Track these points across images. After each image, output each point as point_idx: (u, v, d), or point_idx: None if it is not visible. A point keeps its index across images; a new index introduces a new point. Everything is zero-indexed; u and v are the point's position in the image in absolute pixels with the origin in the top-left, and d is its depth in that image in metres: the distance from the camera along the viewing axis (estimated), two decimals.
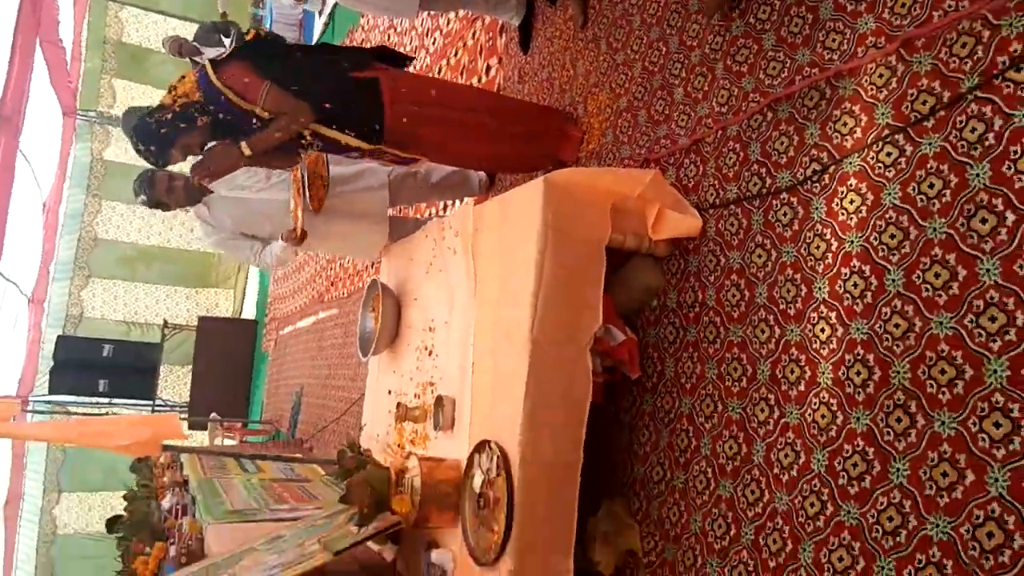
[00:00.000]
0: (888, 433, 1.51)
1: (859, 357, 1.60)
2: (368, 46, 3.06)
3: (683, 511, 1.99)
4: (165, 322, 10.36)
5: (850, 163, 1.71)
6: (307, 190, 2.73)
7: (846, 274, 1.66)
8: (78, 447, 8.67)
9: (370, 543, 2.28)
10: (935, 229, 1.50)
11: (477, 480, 2.05)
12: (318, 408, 5.75)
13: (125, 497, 4.22)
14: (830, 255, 1.72)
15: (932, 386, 1.45)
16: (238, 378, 9.47)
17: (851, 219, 1.68)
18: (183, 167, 2.96)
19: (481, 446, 2.04)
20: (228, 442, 7.73)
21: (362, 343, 3.14)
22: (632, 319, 2.28)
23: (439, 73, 4.37)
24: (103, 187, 10.88)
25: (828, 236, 1.73)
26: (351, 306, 5.28)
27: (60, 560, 10.34)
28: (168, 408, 10.28)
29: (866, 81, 1.70)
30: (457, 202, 3.71)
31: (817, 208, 1.77)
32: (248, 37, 2.56)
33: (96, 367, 9.87)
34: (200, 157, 2.59)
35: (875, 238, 1.61)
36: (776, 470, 1.74)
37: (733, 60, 2.11)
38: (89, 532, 10.36)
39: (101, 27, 9.32)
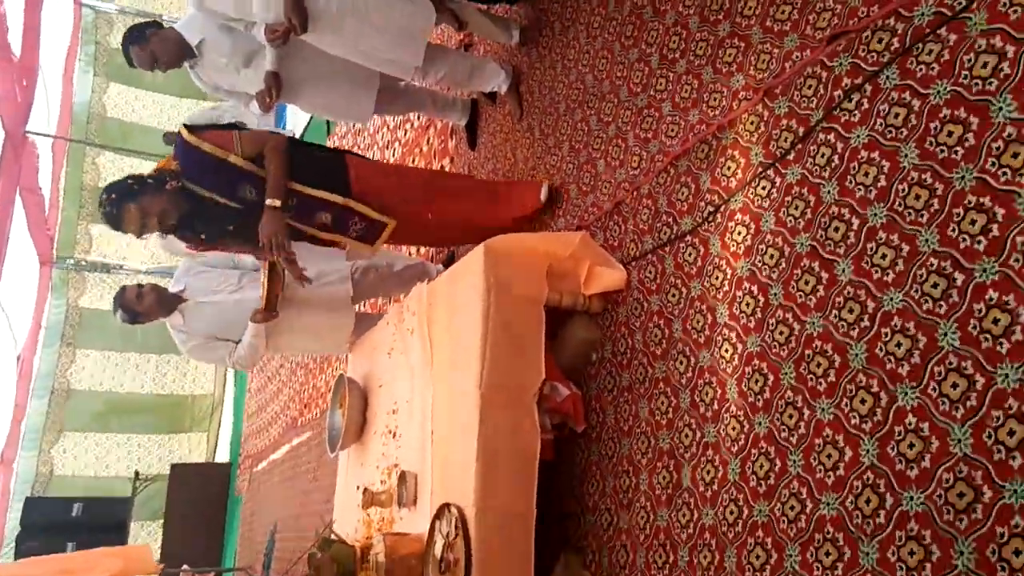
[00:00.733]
0: (783, 431, 1.74)
1: (756, 368, 1.85)
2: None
3: (629, 551, 2.16)
4: (136, 474, 10.43)
5: (735, 200, 2.04)
6: (270, 281, 3.04)
7: (739, 296, 1.95)
8: None
9: None
10: (802, 244, 1.81)
11: (438, 546, 2.24)
12: (294, 541, 5.81)
13: None
14: (727, 282, 2.01)
15: (812, 379, 1.70)
16: (211, 525, 9.44)
17: (740, 248, 1.99)
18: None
19: (441, 511, 2.24)
20: None
21: (331, 439, 3.36)
22: (576, 375, 2.53)
23: None
24: (77, 336, 11.27)
25: (724, 266, 2.03)
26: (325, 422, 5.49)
27: None
28: None
29: (742, 129, 2.06)
30: None
31: (714, 244, 2.09)
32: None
33: (65, 528, 9.85)
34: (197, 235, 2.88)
35: (759, 260, 1.92)
36: (701, 487, 1.94)
37: (640, 128, 2.50)
38: None
39: (79, 174, 10.05)
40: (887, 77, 1.68)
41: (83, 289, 11.19)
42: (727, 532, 1.83)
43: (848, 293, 1.66)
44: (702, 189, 2.17)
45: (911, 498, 1.44)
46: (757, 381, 1.84)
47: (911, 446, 1.46)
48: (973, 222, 1.45)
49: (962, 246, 1.46)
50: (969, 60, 1.51)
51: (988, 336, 1.38)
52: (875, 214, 1.64)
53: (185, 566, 7.75)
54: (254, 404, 9.14)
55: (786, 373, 1.77)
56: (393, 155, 5.07)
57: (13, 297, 9.21)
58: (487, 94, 3.47)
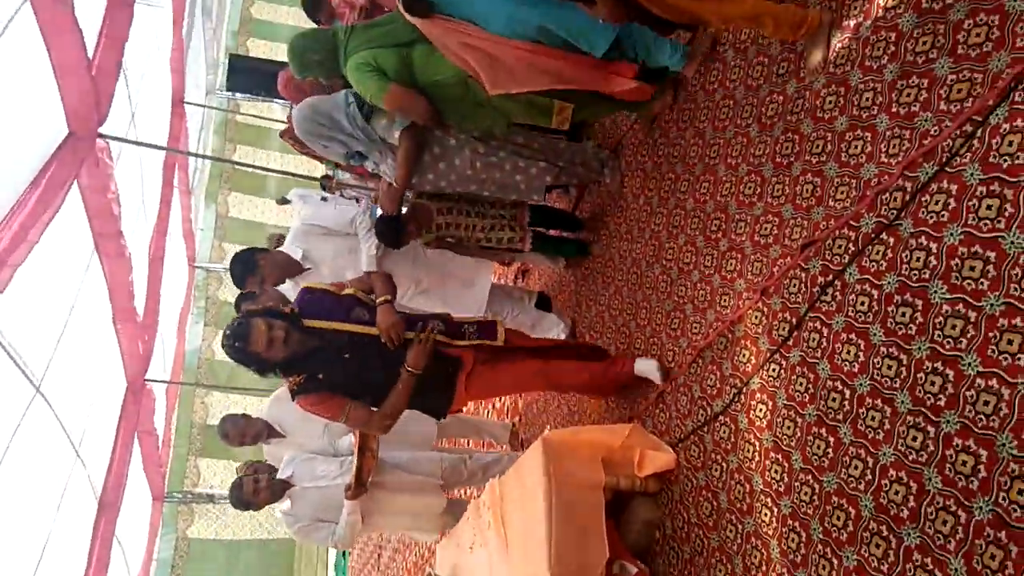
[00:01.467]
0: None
1: (791, 527, 2.09)
2: None
3: None
4: None
5: (754, 382, 2.37)
6: (359, 461, 3.37)
7: (768, 465, 2.23)
8: None
9: None
10: (810, 414, 2.11)
11: None
12: None
13: None
14: (756, 453, 2.29)
15: (835, 531, 1.94)
16: None
17: (763, 422, 2.29)
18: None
19: None
20: None
21: None
22: (643, 553, 2.75)
23: None
24: (186, 568, 11.62)
25: (752, 439, 2.33)
26: None
27: None
28: None
29: (749, 323, 2.44)
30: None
31: (742, 421, 2.39)
32: None
33: None
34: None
35: (779, 431, 2.21)
36: None
37: (669, 328, 2.90)
38: None
39: (189, 413, 10.93)
40: (850, 273, 2.06)
41: (191, 520, 11.70)
42: None
43: (852, 453, 1.94)
44: (726, 375, 2.52)
45: None
46: (793, 539, 2.07)
47: None
48: (933, 383, 1.75)
49: (929, 403, 1.75)
50: (907, 256, 1.89)
51: (961, 476, 1.64)
52: (860, 384, 1.96)
53: None
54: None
55: (815, 529, 2.01)
56: None
57: (128, 532, 9.70)
58: None
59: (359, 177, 5.87)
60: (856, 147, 2.11)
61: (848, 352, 2.02)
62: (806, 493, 2.06)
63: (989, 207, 1.69)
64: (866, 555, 1.83)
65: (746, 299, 2.47)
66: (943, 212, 1.81)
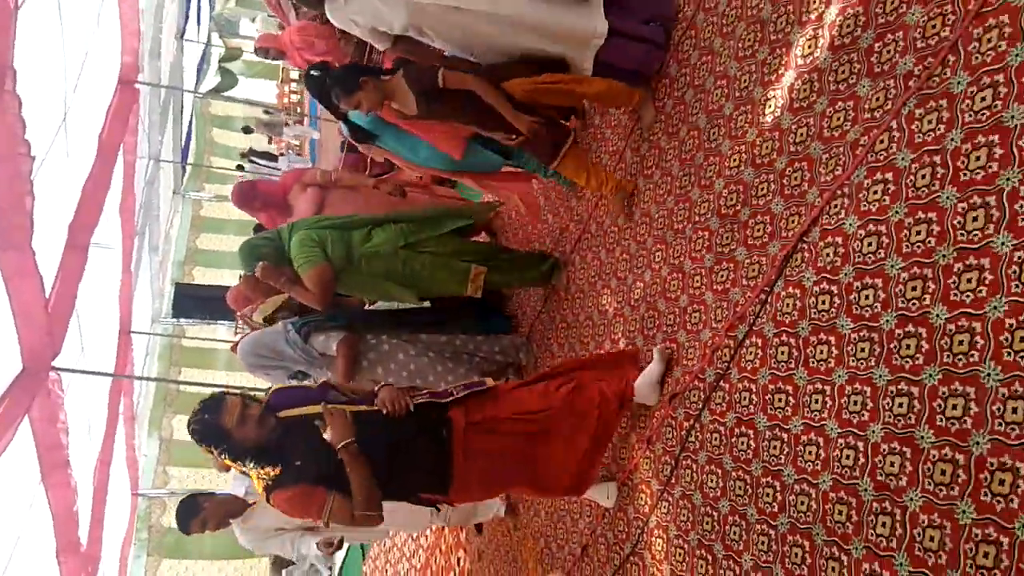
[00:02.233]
0: None
1: None
2: None
3: None
4: None
5: (651, 520, 2.76)
6: None
7: None
8: None
9: None
10: (692, 540, 2.51)
11: None
12: None
13: None
14: None
15: None
16: None
17: (661, 555, 2.67)
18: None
19: None
20: None
21: None
22: None
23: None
24: None
25: (655, 572, 2.68)
26: None
27: None
28: None
29: (642, 470, 2.87)
30: None
31: (647, 557, 2.76)
32: None
33: None
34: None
35: (673, 561, 2.59)
36: None
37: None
38: None
39: None
40: (704, 415, 2.55)
41: None
42: None
43: (725, 565, 2.33)
44: (631, 519, 2.90)
45: None
46: None
47: None
48: (767, 494, 2.20)
49: (767, 511, 2.19)
50: (739, 398, 2.40)
51: None
52: (723, 505, 2.39)
53: None
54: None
55: None
56: (418, 561, 5.71)
57: None
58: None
59: None
60: (695, 318, 2.69)
61: (712, 480, 2.46)
62: None
63: (781, 398, 2.24)
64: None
65: (637, 450, 2.93)
66: (755, 360, 2.35)
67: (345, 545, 8.25)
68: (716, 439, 2.47)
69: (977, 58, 1.77)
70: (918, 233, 1.85)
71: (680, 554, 2.56)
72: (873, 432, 1.89)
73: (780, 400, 2.22)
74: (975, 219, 1.72)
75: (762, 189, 2.42)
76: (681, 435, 2.66)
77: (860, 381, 1.95)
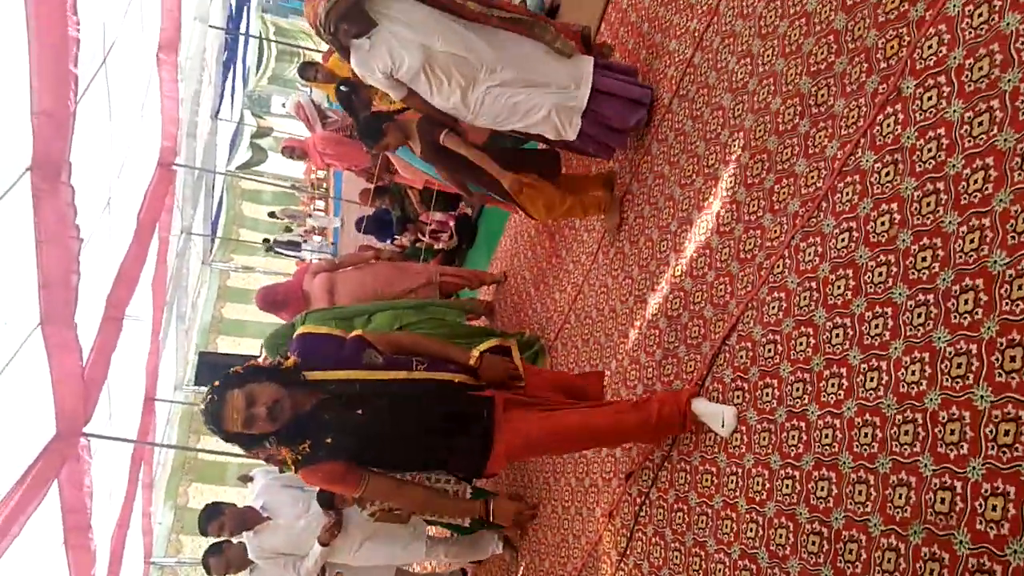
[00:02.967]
0: None
1: None
2: None
3: None
4: None
5: None
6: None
7: None
8: None
9: None
10: None
11: None
12: None
13: None
14: None
15: None
16: None
17: None
18: None
19: None
20: None
21: None
22: None
23: None
24: None
25: None
26: None
27: None
28: None
29: (605, 543, 3.27)
30: None
31: None
32: None
33: None
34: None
35: None
36: None
37: (559, 550, 3.68)
38: None
39: None
40: (653, 493, 2.96)
41: None
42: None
43: None
44: None
45: None
46: None
47: None
48: (719, 569, 2.60)
49: None
50: (679, 477, 2.82)
51: None
52: (664, 573, 2.78)
53: None
54: None
55: None
56: None
57: None
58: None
59: None
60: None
61: (656, 551, 2.86)
62: None
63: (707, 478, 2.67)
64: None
65: (601, 522, 3.33)
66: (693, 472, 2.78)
67: None
68: (661, 509, 2.88)
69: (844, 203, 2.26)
70: (876, 326, 2.30)
71: None
72: (801, 514, 2.31)
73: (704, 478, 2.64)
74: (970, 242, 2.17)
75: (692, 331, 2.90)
76: (635, 511, 3.07)
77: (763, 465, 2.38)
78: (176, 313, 10.99)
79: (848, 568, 1.99)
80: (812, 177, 2.42)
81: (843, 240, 2.22)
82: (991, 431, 1.68)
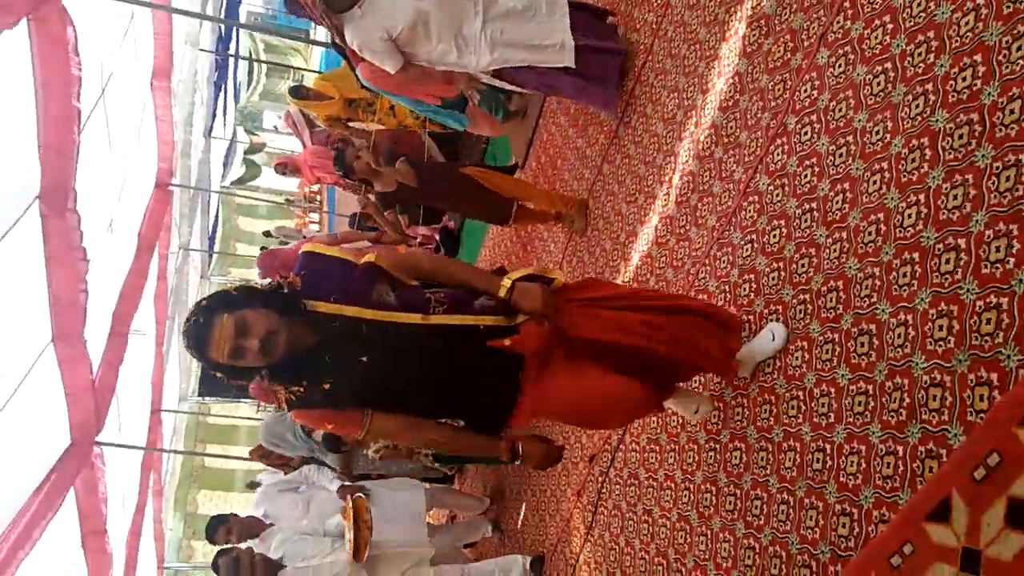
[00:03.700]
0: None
1: None
2: None
3: None
4: None
5: (582, 557, 3.51)
6: (355, 534, 3.76)
7: None
8: None
9: None
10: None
11: None
12: None
13: None
14: None
15: None
16: None
17: None
18: None
19: None
20: None
21: None
22: None
23: None
24: None
25: None
26: None
27: None
28: None
29: (575, 521, 3.62)
30: None
31: None
32: None
33: None
34: None
35: None
36: None
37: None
38: None
39: None
40: (612, 470, 3.32)
41: None
42: None
43: None
44: (567, 557, 3.65)
45: None
46: None
47: None
48: None
49: None
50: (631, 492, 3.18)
51: None
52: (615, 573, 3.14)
53: None
54: None
55: None
56: None
57: None
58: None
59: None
60: None
61: (615, 521, 3.22)
62: None
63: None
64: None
65: (571, 500, 3.69)
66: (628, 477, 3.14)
67: None
68: (618, 490, 3.24)
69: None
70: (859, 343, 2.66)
71: None
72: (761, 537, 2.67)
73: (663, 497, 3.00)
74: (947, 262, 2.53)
75: None
76: (597, 488, 3.43)
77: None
78: (178, 327, 11.35)
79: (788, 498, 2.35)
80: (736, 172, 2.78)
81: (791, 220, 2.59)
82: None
